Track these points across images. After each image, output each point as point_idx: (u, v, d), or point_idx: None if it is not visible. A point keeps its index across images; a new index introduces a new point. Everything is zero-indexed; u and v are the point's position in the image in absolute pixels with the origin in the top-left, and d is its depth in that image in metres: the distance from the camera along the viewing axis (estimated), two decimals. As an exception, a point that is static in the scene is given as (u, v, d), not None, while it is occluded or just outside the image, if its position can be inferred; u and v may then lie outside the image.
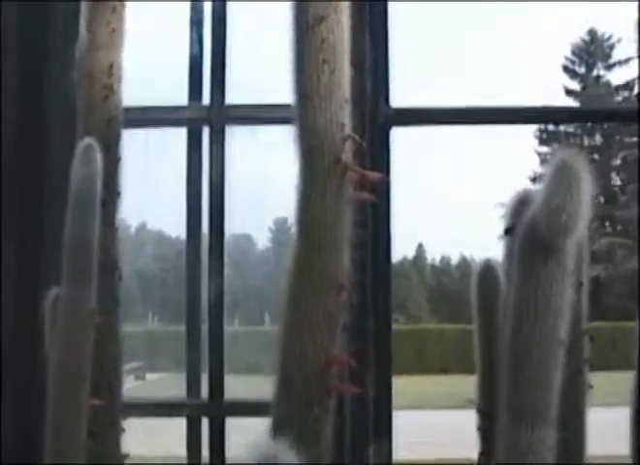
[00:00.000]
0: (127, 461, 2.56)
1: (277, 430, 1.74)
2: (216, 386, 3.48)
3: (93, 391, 2.34)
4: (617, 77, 31.46)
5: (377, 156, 3.35)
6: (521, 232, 1.71)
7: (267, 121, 3.60)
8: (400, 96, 3.60)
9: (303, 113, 1.73)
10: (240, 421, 3.47)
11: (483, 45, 29.56)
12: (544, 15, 30.04)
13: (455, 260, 33.85)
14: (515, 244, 1.73)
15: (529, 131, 30.41)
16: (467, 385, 2.23)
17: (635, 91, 30.37)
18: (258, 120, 3.67)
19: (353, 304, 1.80)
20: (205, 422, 3.51)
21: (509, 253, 1.83)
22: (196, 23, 3.78)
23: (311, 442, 1.73)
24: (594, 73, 32.02)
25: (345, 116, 1.76)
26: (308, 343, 1.70)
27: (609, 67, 31.98)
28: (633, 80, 30.24)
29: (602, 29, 31.70)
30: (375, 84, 3.40)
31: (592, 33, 32.13)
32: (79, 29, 2.67)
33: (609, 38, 31.86)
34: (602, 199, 29.54)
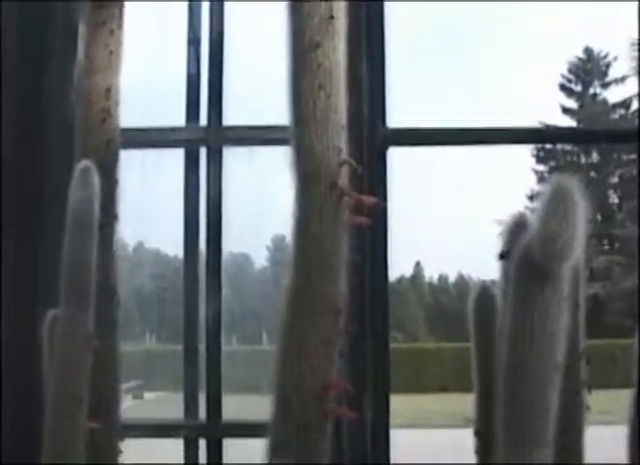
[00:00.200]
0: (124, 483, 2.56)
1: (275, 454, 1.74)
2: (214, 406, 3.48)
3: (91, 413, 2.33)
4: (613, 94, 31.54)
5: (374, 176, 3.36)
6: (516, 257, 1.72)
7: (264, 142, 3.61)
8: (397, 116, 3.62)
9: (299, 138, 1.73)
10: (237, 442, 3.47)
11: (480, 65, 29.64)
12: (541, 33, 30.13)
13: (452, 278, 33.84)
14: (511, 269, 1.73)
15: (526, 149, 30.47)
16: (466, 403, 2.23)
17: (632, 109, 30.43)
18: (255, 141, 3.68)
19: (350, 329, 1.79)
20: (202, 443, 3.51)
21: (506, 274, 1.83)
22: (193, 43, 3.80)
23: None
24: (591, 91, 32.08)
25: (342, 141, 1.76)
26: (305, 368, 1.69)
27: (605, 85, 32.05)
28: (630, 98, 30.31)
29: (598, 47, 31.81)
30: (372, 105, 3.41)
31: (588, 51, 32.22)
32: (76, 51, 2.68)
33: (605, 56, 31.95)
34: (600, 217, 29.57)
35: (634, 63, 27.17)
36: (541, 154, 31.01)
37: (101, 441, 2.45)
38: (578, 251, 1.66)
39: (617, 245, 30.58)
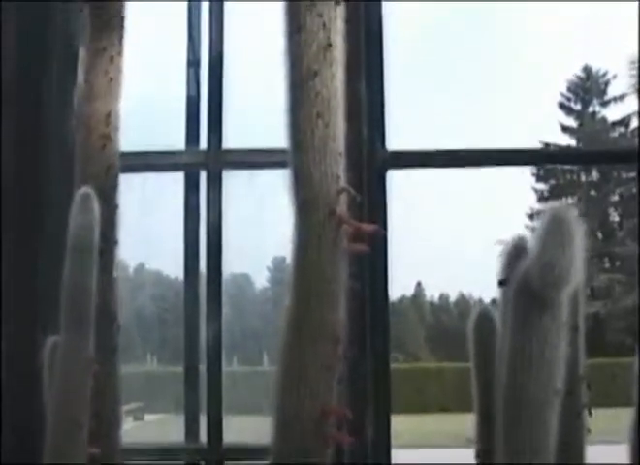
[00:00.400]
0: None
1: (276, 479, 1.74)
2: (215, 428, 3.47)
3: (91, 438, 2.34)
4: (613, 113, 31.53)
5: (374, 198, 3.38)
6: (515, 284, 1.72)
7: (263, 165, 3.62)
8: (397, 138, 3.63)
9: (297, 166, 1.74)
10: (238, 465, 3.47)
11: (479, 84, 29.67)
12: (540, 52, 30.18)
13: (453, 297, 33.77)
14: (510, 295, 1.74)
15: (526, 168, 30.44)
16: (468, 423, 2.23)
17: (631, 127, 30.44)
18: (255, 164, 3.69)
19: (349, 354, 1.79)
20: (203, 467, 3.51)
21: (505, 299, 1.83)
22: (193, 65, 3.82)
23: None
24: (590, 109, 32.09)
25: (340, 169, 1.76)
26: (305, 395, 1.70)
27: (605, 103, 32.04)
28: (629, 116, 30.31)
29: (597, 65, 31.85)
30: (371, 128, 3.42)
31: (586, 69, 32.26)
32: (77, 77, 2.70)
33: (604, 74, 31.97)
34: (600, 235, 29.54)
35: (633, 81, 27.21)
36: (541, 173, 30.98)
37: (102, 465, 2.45)
38: (576, 278, 1.66)
39: (617, 263, 30.54)
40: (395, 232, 3.46)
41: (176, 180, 3.83)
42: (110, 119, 2.61)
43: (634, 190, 27.88)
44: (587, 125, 31.69)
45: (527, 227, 25.20)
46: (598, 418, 2.13)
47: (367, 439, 3.26)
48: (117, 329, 2.58)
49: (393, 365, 3.58)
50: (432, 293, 34.40)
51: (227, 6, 3.77)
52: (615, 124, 31.85)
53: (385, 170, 3.48)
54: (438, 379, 25.39)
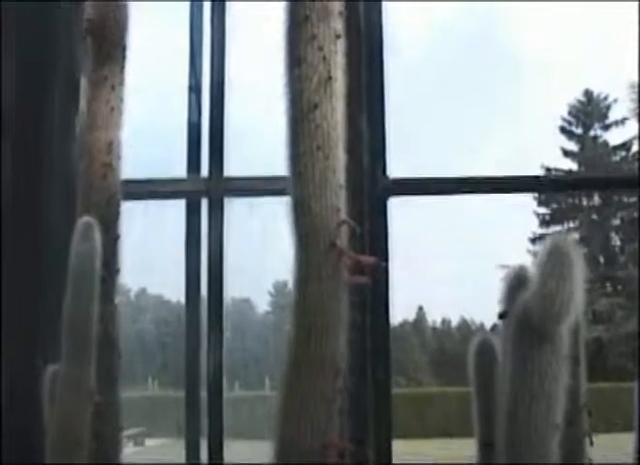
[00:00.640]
0: None
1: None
2: (215, 454, 3.47)
3: (92, 464, 2.33)
4: (614, 137, 31.55)
5: (376, 224, 3.39)
6: (515, 317, 1.72)
7: (264, 193, 3.63)
8: (398, 166, 3.65)
9: (298, 198, 1.75)
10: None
11: (480, 109, 29.73)
12: (540, 76, 30.25)
13: (455, 322, 33.70)
14: (509, 328, 1.74)
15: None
16: (470, 448, 2.22)
17: (632, 151, 30.45)
18: (256, 192, 3.70)
19: (350, 385, 1.79)
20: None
21: (505, 331, 1.83)
22: (195, 90, 3.83)
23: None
24: (592, 133, 32.10)
25: (340, 201, 1.76)
26: (306, 429, 1.69)
27: (606, 127, 32.07)
28: (631, 140, 30.33)
29: (598, 89, 31.90)
30: (372, 156, 3.43)
31: (588, 94, 32.31)
32: (79, 106, 2.70)
33: (605, 98, 32.02)
34: (602, 259, 29.50)
35: (634, 105, 27.25)
36: (542, 197, 30.99)
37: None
38: (576, 310, 1.66)
39: (619, 287, 30.47)
40: (396, 257, 3.47)
41: (177, 207, 3.83)
42: (111, 148, 2.61)
43: (636, 214, 27.86)
44: (588, 149, 31.70)
45: (529, 251, 25.21)
46: (601, 444, 2.12)
47: (368, 463, 3.25)
48: (118, 358, 2.58)
49: (395, 390, 3.58)
50: (434, 317, 34.35)
51: (229, 33, 3.79)
52: (616, 148, 31.85)
53: (387, 198, 3.50)
54: (441, 403, 25.29)
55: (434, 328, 34.57)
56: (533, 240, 28.31)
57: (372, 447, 3.27)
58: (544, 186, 5.61)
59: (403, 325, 31.45)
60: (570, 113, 32.63)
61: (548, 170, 25.74)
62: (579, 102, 32.65)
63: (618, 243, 31.35)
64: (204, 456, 3.53)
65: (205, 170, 3.77)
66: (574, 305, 1.65)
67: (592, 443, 2.02)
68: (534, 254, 1.76)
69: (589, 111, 32.56)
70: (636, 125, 31.27)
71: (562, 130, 32.46)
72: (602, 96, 32.51)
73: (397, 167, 3.62)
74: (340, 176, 1.77)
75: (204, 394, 3.63)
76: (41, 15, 3.45)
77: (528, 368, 1.68)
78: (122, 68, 2.67)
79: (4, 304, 3.21)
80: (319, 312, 1.71)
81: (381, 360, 3.37)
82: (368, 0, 3.47)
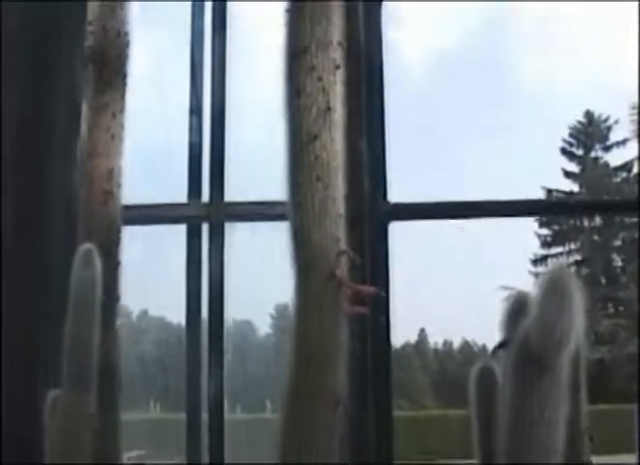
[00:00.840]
0: None
1: None
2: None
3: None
4: (615, 158, 31.56)
5: (377, 249, 3.40)
6: (515, 346, 1.72)
7: (265, 218, 3.64)
8: (398, 191, 3.66)
9: (297, 228, 1.75)
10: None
11: (481, 131, 29.76)
12: (541, 98, 30.30)
13: (457, 343, 33.62)
14: (509, 357, 1.74)
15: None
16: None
17: (634, 172, 30.45)
18: (256, 216, 3.71)
19: (350, 412, 1.79)
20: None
21: (505, 360, 1.83)
22: (196, 113, 3.85)
23: None
24: (593, 154, 32.11)
25: (340, 230, 1.77)
26: (306, 456, 1.69)
27: (607, 148, 32.07)
28: (632, 161, 30.33)
29: (599, 111, 31.93)
30: (373, 180, 3.45)
31: (588, 115, 32.34)
32: (80, 133, 2.71)
33: (606, 119, 32.04)
34: (604, 280, 29.46)
35: (635, 126, 27.29)
36: (544, 218, 31.00)
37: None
38: (576, 339, 1.66)
39: (621, 308, 30.41)
40: (397, 280, 3.48)
41: (178, 231, 3.85)
42: (112, 175, 2.62)
43: (637, 234, 27.84)
44: (589, 171, 31.71)
45: (530, 273, 25.19)
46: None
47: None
48: (119, 384, 2.58)
49: (396, 412, 3.59)
50: (435, 339, 34.29)
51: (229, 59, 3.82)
52: (617, 169, 31.87)
53: (387, 222, 3.51)
54: (442, 426, 25.21)
55: (436, 350, 34.51)
56: (535, 262, 28.30)
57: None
58: (545, 209, 5.62)
59: (405, 347, 31.39)
60: (571, 135, 32.66)
61: (549, 191, 25.75)
62: (580, 123, 32.69)
63: (619, 264, 31.33)
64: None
65: (205, 196, 3.79)
66: (574, 334, 1.65)
67: (596, 450, 2.03)
68: (536, 275, 1.77)
69: (589, 133, 32.58)
70: (637, 146, 31.30)
71: (563, 151, 32.47)
72: (603, 117, 32.56)
73: (397, 192, 3.64)
74: (340, 206, 1.77)
75: (205, 417, 3.63)
76: (42, 42, 3.47)
77: (527, 397, 1.68)
78: (123, 95, 2.68)
79: (5, 330, 3.22)
80: (319, 341, 1.71)
81: (382, 386, 3.37)
82: (367, 28, 3.49)
